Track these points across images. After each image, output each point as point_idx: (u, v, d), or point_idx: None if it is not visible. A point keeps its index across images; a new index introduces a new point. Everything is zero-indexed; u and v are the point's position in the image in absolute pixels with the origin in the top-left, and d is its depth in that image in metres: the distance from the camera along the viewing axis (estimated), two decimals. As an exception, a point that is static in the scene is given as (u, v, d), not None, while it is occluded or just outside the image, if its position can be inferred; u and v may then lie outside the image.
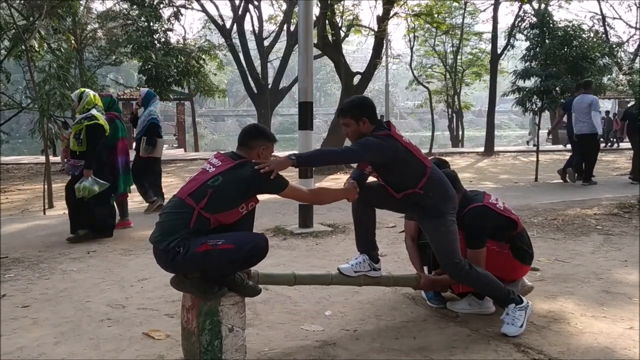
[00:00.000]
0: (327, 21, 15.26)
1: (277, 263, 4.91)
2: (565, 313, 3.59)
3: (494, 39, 23.15)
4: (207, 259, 2.71)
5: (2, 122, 19.09)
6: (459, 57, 29.10)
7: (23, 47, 12.27)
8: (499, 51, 22.89)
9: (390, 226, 6.59)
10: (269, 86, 23.49)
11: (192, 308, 2.86)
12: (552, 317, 3.51)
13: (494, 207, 3.52)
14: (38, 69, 13.11)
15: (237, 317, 2.85)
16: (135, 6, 19.25)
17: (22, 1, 15.68)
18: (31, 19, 14.56)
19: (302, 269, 4.66)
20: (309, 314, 3.66)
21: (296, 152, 3.21)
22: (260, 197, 3.01)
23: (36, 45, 14.09)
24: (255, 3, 24.70)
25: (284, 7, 24.90)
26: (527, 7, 22.58)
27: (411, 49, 27.41)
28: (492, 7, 23.52)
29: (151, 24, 18.88)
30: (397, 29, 65.38)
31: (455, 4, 24.46)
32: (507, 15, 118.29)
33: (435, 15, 18.00)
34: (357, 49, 41.53)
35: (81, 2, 21.60)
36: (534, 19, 12.71)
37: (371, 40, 17.74)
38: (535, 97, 11.35)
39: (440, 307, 3.71)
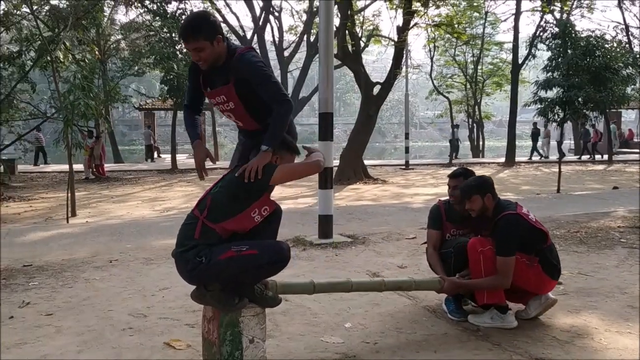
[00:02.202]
0: (347, 32, 15.31)
1: (297, 274, 4.92)
2: (589, 328, 3.53)
3: (515, 49, 23.03)
4: (231, 266, 2.70)
5: (27, 131, 19.47)
6: (479, 67, 28.99)
7: (48, 58, 12.50)
8: (520, 61, 22.76)
9: (411, 237, 6.56)
10: (289, 96, 23.62)
11: (213, 319, 2.88)
12: (575, 332, 3.46)
13: (526, 217, 3.52)
14: (63, 79, 13.36)
15: (258, 329, 2.85)
16: (157, 17, 19.56)
17: (48, 13, 16.00)
18: (56, 30, 14.86)
19: (321, 279, 4.63)
20: (329, 326, 3.65)
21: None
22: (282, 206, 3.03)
23: (61, 56, 14.37)
24: (276, 14, 24.91)
25: (304, 17, 25.08)
26: (548, 17, 22.51)
27: (431, 58, 27.39)
28: (513, 17, 23.46)
29: (173, 34, 19.13)
30: (417, 39, 65.43)
31: (475, 14, 24.43)
32: (528, 25, 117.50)
33: (456, 26, 17.90)
34: (377, 59, 41.53)
35: (105, 13, 21.99)
36: (556, 29, 12.63)
37: (391, 50, 17.71)
38: (557, 107, 11.25)
39: (462, 321, 3.67)
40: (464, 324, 3.63)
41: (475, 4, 22.42)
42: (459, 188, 3.73)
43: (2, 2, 14.32)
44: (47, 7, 15.96)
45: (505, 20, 29.02)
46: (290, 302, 4.01)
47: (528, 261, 3.48)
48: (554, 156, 22.81)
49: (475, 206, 3.57)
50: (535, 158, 25.20)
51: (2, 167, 16.97)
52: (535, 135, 25.65)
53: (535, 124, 25.55)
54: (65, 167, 12.40)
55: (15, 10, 15.18)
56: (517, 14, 22.93)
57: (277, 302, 3.00)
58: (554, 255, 3.61)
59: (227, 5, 24.60)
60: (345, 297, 4.12)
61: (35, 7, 13.31)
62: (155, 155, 28.82)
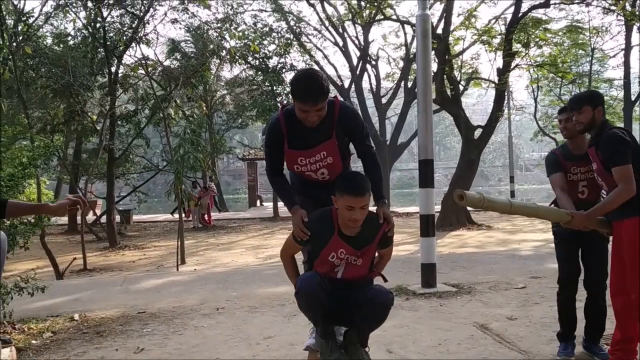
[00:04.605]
0: (445, 76, 15.22)
1: (401, 324, 4.79)
2: None
3: (626, 86, 21.82)
4: None
5: (141, 183, 20.83)
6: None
7: (161, 114, 13.42)
8: (632, 97, 21.49)
9: (520, 287, 6.23)
10: (387, 142, 23.66)
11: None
12: None
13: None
14: (173, 134, 14.26)
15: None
16: (260, 72, 20.49)
17: (161, 74, 17.27)
18: (168, 89, 15.95)
19: (426, 331, 4.51)
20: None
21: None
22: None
23: (172, 113, 15.39)
24: (373, 62, 25.28)
25: (401, 64, 25.26)
26: (662, 49, 21.21)
27: (535, 99, 26.47)
28: (623, 52, 22.32)
29: (274, 87, 19.94)
30: (519, 80, 63.54)
31: (581, 51, 23.49)
32: None
33: (560, 65, 17.29)
34: (477, 102, 40.92)
35: (212, 71, 23.38)
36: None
37: (492, 92, 17.36)
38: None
39: None
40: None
41: (580, 41, 21.55)
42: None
43: (121, 66, 15.63)
44: (160, 68, 17.23)
45: (614, 56, 27.71)
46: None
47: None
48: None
49: (584, 118, 3.37)
50: None
51: (119, 217, 18.17)
52: None
53: None
54: (175, 216, 13.08)
55: (132, 73, 16.52)
56: (627, 48, 21.82)
57: None
58: None
59: (325, 57, 25.32)
60: (452, 351, 3.95)
61: (149, 69, 14.39)
62: (258, 203, 29.72)
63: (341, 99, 3.21)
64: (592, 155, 3.38)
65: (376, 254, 3.11)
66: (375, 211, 3.03)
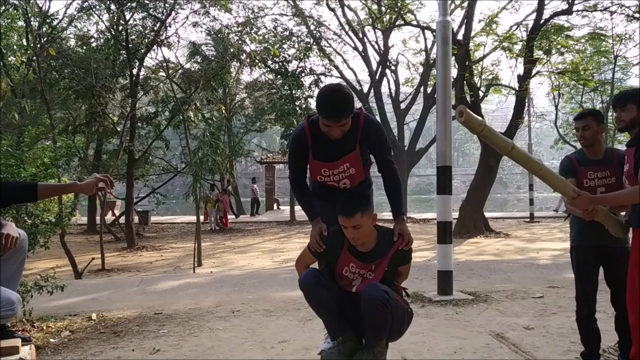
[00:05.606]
0: (465, 82, 15.15)
1: (416, 332, 4.76)
2: None
3: (650, 93, 21.45)
4: None
5: (160, 184, 21.00)
6: (609, 113, 27.28)
7: (181, 117, 13.53)
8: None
9: (537, 296, 6.16)
10: (406, 148, 23.59)
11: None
12: None
13: None
14: (192, 136, 14.36)
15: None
16: (279, 76, 20.57)
17: (181, 76, 17.43)
18: (188, 91, 16.09)
19: (441, 339, 4.48)
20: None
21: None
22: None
23: (192, 115, 15.49)
24: (392, 67, 25.25)
25: (421, 70, 25.19)
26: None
27: (556, 107, 26.24)
28: (646, 59, 22.02)
29: (293, 91, 20.00)
30: (540, 87, 63.10)
31: (603, 59, 23.23)
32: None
33: (582, 72, 17.10)
34: (497, 108, 40.56)
35: (231, 74, 23.53)
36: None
37: (512, 99, 17.26)
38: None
39: None
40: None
41: (603, 49, 21.30)
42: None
43: (142, 69, 15.82)
44: (180, 71, 17.38)
45: (638, 64, 27.26)
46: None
47: None
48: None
49: (627, 116, 3.20)
50: None
51: (138, 218, 18.33)
52: None
53: None
54: (193, 218, 13.17)
55: (153, 75, 16.70)
56: (651, 56, 21.50)
57: None
58: None
59: (345, 61, 25.33)
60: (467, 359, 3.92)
61: (170, 72, 14.54)
62: (275, 207, 29.78)
63: (365, 111, 3.23)
64: (628, 156, 3.17)
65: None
66: (393, 227, 3.11)
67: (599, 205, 3.08)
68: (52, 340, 4.73)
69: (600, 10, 16.43)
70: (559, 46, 15.59)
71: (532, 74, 15.42)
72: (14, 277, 3.05)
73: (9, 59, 16.84)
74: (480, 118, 2.62)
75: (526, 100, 17.75)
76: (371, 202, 3.19)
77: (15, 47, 17.11)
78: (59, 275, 5.83)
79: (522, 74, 15.22)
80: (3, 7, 11.39)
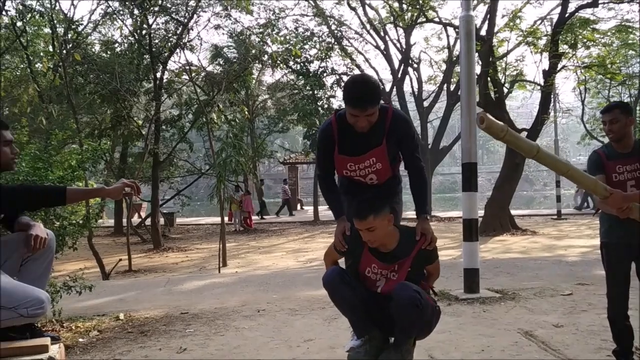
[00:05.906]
0: (489, 78, 14.98)
1: (442, 330, 4.70)
2: None
3: (680, 86, 21.02)
4: None
5: (185, 186, 21.19)
6: (638, 107, 26.73)
7: (204, 119, 13.63)
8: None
9: (566, 294, 6.05)
10: (429, 146, 23.42)
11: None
12: None
13: None
14: (216, 138, 14.46)
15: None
16: (301, 77, 20.60)
17: (204, 79, 17.56)
18: (211, 94, 16.21)
19: (468, 337, 4.43)
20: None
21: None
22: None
23: (215, 117, 15.61)
24: (415, 65, 25.09)
25: (443, 67, 24.99)
26: None
27: (582, 101, 25.81)
28: (676, 51, 21.49)
29: (315, 92, 20.00)
30: (565, 82, 62.12)
31: (631, 52, 22.75)
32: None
33: (609, 66, 16.76)
34: (521, 105, 39.98)
35: (253, 76, 23.64)
36: None
37: (537, 95, 17.00)
38: None
39: None
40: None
41: (630, 41, 20.86)
42: None
43: (165, 72, 15.97)
44: (203, 74, 17.52)
45: (666, 56, 26.66)
46: (437, 360, 3.83)
47: None
48: None
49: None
50: None
51: (164, 220, 18.51)
52: None
53: None
54: (217, 219, 13.25)
55: (176, 78, 16.86)
56: (681, 48, 20.99)
57: None
58: None
59: (367, 60, 25.28)
60: (495, 357, 3.86)
61: (193, 75, 14.65)
62: (299, 207, 29.83)
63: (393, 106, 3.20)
64: None
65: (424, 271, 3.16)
66: (415, 226, 3.08)
67: (632, 202, 2.95)
68: (80, 339, 4.80)
69: (627, 2, 16.08)
70: (584, 40, 15.31)
71: (558, 68, 15.17)
72: (43, 277, 3.10)
73: (36, 65, 17.19)
74: (501, 123, 2.52)
75: (552, 96, 17.48)
76: (393, 203, 3.15)
77: (42, 53, 17.45)
78: (87, 276, 5.91)
79: (547, 69, 14.98)
80: (30, 15, 11.58)
